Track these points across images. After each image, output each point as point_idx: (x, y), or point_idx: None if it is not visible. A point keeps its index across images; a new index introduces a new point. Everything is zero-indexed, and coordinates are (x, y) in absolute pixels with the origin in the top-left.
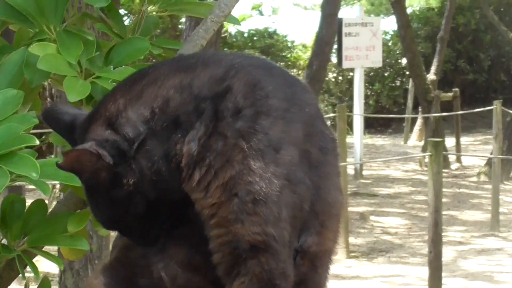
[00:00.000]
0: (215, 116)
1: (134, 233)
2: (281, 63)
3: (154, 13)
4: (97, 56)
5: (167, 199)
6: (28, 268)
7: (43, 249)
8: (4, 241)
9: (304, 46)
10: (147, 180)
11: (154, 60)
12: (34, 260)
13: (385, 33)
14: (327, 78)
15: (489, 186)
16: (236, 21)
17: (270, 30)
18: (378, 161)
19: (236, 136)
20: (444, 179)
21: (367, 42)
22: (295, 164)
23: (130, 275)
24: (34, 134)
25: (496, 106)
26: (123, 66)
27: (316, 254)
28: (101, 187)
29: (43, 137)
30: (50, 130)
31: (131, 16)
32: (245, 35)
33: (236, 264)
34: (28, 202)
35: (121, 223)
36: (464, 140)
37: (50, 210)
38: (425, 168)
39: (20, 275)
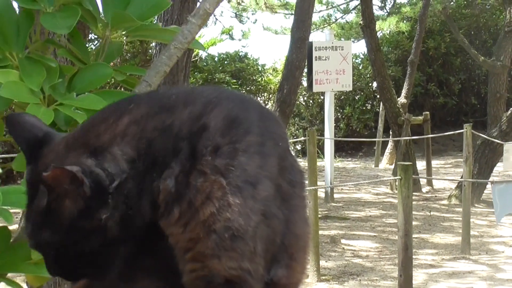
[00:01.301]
0: (192, 154)
1: (60, 259)
2: (252, 87)
3: (119, 38)
4: (60, 82)
5: (124, 237)
6: None
7: (7, 277)
8: None
9: (274, 70)
10: (117, 218)
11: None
12: None
13: (356, 56)
14: (297, 102)
15: (460, 209)
16: (201, 47)
17: (240, 54)
18: (349, 185)
19: (215, 173)
20: (415, 202)
21: (337, 66)
22: (270, 199)
23: None
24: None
25: (466, 130)
26: (86, 93)
27: (286, 286)
28: (65, 212)
29: (6, 164)
30: (14, 155)
31: (101, 41)
32: (216, 59)
33: None
34: None
35: (59, 249)
36: (435, 163)
37: (13, 237)
38: (396, 191)
39: None
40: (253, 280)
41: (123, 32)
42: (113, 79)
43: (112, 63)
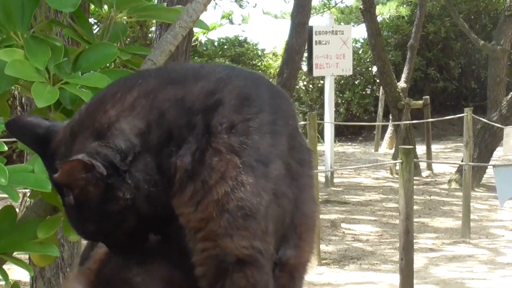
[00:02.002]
0: (207, 130)
1: (118, 244)
2: None
3: (123, 18)
4: (65, 62)
5: (156, 214)
6: None
7: (13, 256)
8: None
9: (274, 54)
10: (142, 195)
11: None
12: (5, 269)
13: (356, 41)
14: (297, 87)
15: (460, 194)
16: (205, 26)
17: (240, 38)
18: (349, 169)
19: (230, 152)
20: (415, 187)
21: (337, 50)
22: (281, 178)
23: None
24: (4, 141)
25: (466, 114)
26: (91, 72)
27: (295, 266)
28: (94, 201)
29: (13, 145)
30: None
31: (100, 24)
32: (216, 43)
33: (222, 277)
34: None
35: (108, 236)
36: (435, 147)
37: (19, 217)
38: (396, 176)
39: None
40: (263, 260)
41: (128, 13)
42: (117, 59)
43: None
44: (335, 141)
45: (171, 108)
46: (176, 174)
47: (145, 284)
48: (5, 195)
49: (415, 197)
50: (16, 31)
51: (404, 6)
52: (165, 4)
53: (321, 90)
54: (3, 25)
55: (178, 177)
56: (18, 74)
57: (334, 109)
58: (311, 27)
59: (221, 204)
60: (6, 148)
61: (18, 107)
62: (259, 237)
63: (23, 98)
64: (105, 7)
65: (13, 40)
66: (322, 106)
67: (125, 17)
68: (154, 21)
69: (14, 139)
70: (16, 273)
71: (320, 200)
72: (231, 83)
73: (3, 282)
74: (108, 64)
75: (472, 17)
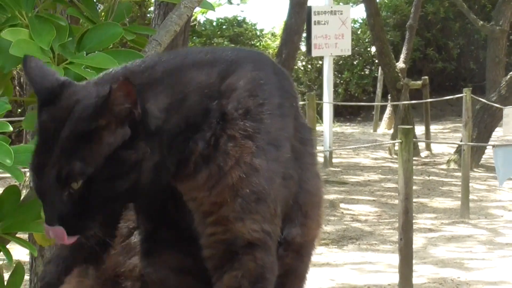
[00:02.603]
0: (222, 116)
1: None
2: None
3: None
4: (69, 41)
5: (151, 190)
6: (0, 256)
7: (16, 236)
8: None
9: (273, 34)
10: (152, 162)
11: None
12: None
13: (354, 21)
14: (296, 67)
15: (459, 174)
16: (210, 7)
17: (239, 18)
18: (348, 149)
19: (244, 137)
20: (414, 167)
21: (336, 31)
22: (289, 161)
23: (115, 278)
24: (7, 120)
25: (465, 94)
26: (96, 52)
27: (301, 244)
28: (111, 140)
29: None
30: (21, 118)
31: (104, 4)
32: (214, 23)
33: (230, 260)
34: None
35: (95, 187)
36: (433, 128)
37: (22, 197)
38: (395, 156)
39: None
40: (271, 242)
41: None
42: (121, 39)
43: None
44: (333, 121)
45: (191, 92)
46: (191, 157)
47: (156, 273)
48: (7, 175)
49: (413, 177)
50: (21, 10)
51: None
52: None
53: (319, 71)
54: (8, 4)
55: (193, 160)
56: (23, 53)
57: (333, 89)
58: (309, 7)
59: (236, 189)
60: (11, 128)
61: (17, 87)
62: (269, 220)
63: (21, 78)
64: None
65: (18, 20)
66: (320, 86)
67: None
68: (152, 0)
69: (16, 119)
70: (15, 253)
71: None
72: (241, 66)
73: (5, 261)
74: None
75: None
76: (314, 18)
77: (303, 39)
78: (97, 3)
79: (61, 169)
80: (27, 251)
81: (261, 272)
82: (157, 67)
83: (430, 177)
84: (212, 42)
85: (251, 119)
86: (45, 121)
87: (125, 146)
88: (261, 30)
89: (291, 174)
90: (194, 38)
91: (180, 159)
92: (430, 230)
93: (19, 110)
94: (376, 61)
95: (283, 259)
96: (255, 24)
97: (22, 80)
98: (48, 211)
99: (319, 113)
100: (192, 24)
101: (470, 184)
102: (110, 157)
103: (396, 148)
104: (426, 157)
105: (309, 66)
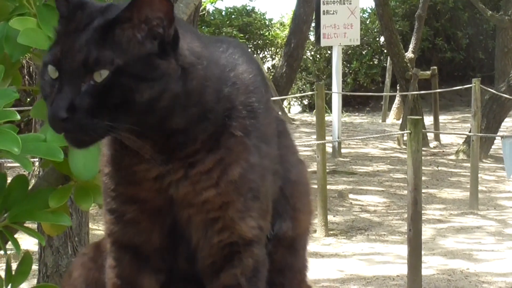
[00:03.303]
0: (229, 111)
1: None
2: (259, 41)
3: None
4: None
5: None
6: (8, 245)
7: (25, 226)
8: None
9: (282, 24)
10: (176, 89)
11: None
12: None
13: (363, 11)
14: (305, 56)
15: (468, 164)
16: None
17: (248, 8)
18: (356, 139)
19: (243, 134)
20: (422, 157)
21: (345, 20)
22: (276, 156)
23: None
24: (16, 109)
25: (474, 84)
26: None
27: (294, 238)
28: (147, 43)
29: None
30: (30, 108)
31: None
32: (223, 13)
33: (231, 259)
34: (8, 180)
35: (119, 82)
36: (442, 118)
37: (30, 186)
38: (403, 146)
39: (2, 251)
40: (264, 236)
41: None
42: None
43: None
44: (342, 111)
45: (215, 65)
46: (198, 136)
47: None
48: (15, 164)
49: (422, 168)
50: None
51: None
52: None
53: (328, 60)
54: None
55: (198, 140)
56: (30, 42)
57: (342, 79)
58: None
59: (237, 186)
60: (19, 117)
61: (26, 76)
62: (262, 216)
63: (31, 67)
64: None
65: (26, 9)
66: (329, 76)
67: None
68: None
69: (25, 108)
70: (24, 242)
71: (327, 170)
72: (237, 62)
73: (13, 251)
74: None
75: None
76: (323, 7)
77: (312, 28)
78: None
79: (89, 54)
80: (35, 240)
81: (256, 267)
82: (187, 33)
83: (439, 168)
84: (221, 31)
85: (250, 117)
86: (70, 19)
87: (156, 54)
88: (270, 20)
89: (277, 169)
90: (203, 27)
91: (185, 129)
92: (439, 221)
93: (28, 99)
94: (385, 51)
95: (272, 255)
96: (264, 14)
97: (31, 69)
98: (58, 99)
99: (328, 103)
100: (201, 13)
101: (479, 175)
102: (139, 57)
103: (405, 138)
104: (435, 147)
105: (318, 56)
